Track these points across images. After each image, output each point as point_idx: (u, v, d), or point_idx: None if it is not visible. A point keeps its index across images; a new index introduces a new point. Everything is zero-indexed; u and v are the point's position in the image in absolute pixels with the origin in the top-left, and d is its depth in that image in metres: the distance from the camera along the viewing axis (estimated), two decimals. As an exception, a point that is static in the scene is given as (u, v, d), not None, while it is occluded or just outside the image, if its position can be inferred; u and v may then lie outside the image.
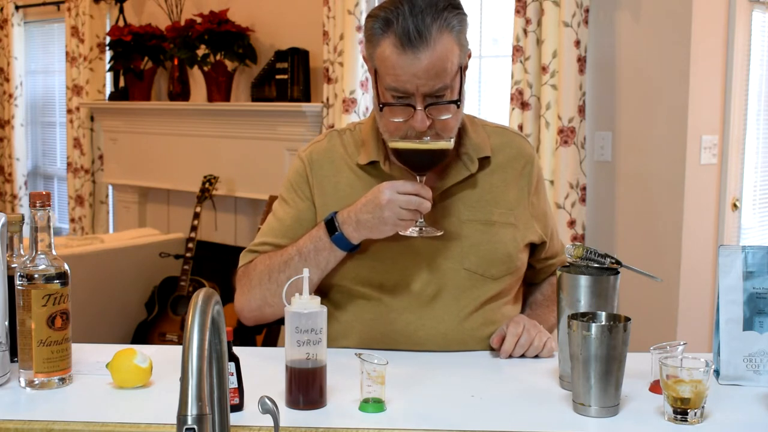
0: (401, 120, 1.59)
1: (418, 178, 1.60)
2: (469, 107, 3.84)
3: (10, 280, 1.46)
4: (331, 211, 1.66)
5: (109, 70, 5.30)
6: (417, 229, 1.60)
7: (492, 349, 1.70)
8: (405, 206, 1.55)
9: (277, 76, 4.34)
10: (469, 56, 1.68)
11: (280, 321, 1.62)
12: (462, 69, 1.61)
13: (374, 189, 1.59)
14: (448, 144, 1.59)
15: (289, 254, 1.66)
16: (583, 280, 1.44)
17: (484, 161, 1.74)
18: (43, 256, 1.42)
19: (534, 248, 1.82)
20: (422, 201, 1.55)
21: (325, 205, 1.72)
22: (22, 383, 1.44)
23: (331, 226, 1.62)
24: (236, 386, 1.34)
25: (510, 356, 1.64)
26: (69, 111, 5.61)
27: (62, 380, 1.44)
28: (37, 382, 1.43)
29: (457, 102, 1.59)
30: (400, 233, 1.60)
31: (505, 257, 1.72)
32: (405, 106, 1.57)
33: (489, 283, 1.71)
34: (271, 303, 1.69)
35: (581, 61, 3.35)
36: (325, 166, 1.75)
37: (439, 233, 1.63)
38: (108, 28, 5.36)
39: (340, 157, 1.75)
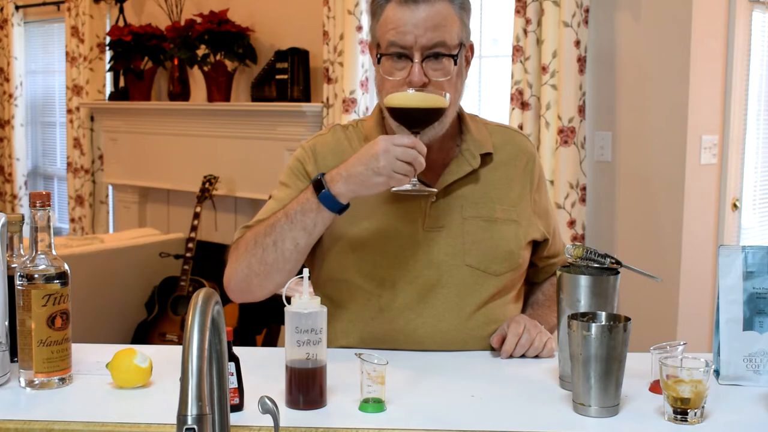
0: (399, 78, 1.61)
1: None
2: (469, 107, 3.84)
3: (10, 280, 1.46)
4: None
5: (109, 70, 5.30)
6: (410, 186, 1.56)
7: (492, 349, 1.70)
8: (401, 158, 1.52)
9: (277, 76, 4.34)
10: (472, 49, 1.70)
11: (280, 320, 1.62)
12: (463, 48, 1.65)
13: (368, 144, 1.57)
14: (443, 101, 1.58)
15: (276, 217, 1.63)
16: (583, 280, 1.44)
17: (485, 158, 1.75)
18: (43, 256, 1.42)
19: (536, 246, 1.82)
20: (418, 155, 1.53)
21: None
22: (22, 383, 1.44)
23: (318, 185, 1.58)
24: (236, 386, 1.34)
25: (510, 356, 1.64)
26: (69, 111, 5.61)
27: (62, 380, 1.44)
28: (37, 382, 1.43)
29: (455, 58, 1.62)
30: (392, 189, 1.57)
31: (507, 254, 1.72)
32: (403, 58, 1.60)
33: (491, 279, 1.71)
34: (257, 271, 1.62)
35: (581, 61, 3.35)
36: (328, 158, 1.74)
37: (434, 191, 1.62)
38: (108, 28, 5.36)
39: (344, 151, 1.74)
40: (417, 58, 1.60)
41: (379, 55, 1.64)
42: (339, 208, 1.58)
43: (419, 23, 1.59)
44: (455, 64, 1.63)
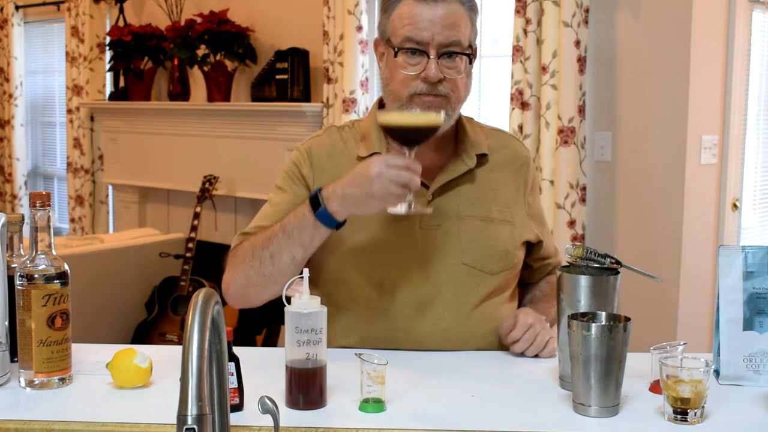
0: (413, 73, 1.63)
1: (407, 153, 1.57)
2: (469, 107, 3.83)
3: (10, 280, 1.46)
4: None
5: (109, 70, 5.30)
6: (405, 205, 1.56)
7: (491, 349, 1.71)
8: (395, 180, 1.52)
9: (277, 76, 4.34)
10: (475, 52, 1.71)
11: (280, 320, 1.62)
12: (472, 49, 1.68)
13: (363, 163, 1.56)
14: (438, 118, 1.58)
15: (273, 231, 1.63)
16: (583, 280, 1.44)
17: (481, 159, 1.76)
18: (43, 256, 1.42)
19: (530, 248, 1.84)
20: (412, 176, 1.53)
21: None
22: (22, 383, 1.44)
23: (315, 202, 1.58)
24: (236, 386, 1.34)
25: (513, 347, 1.65)
26: (69, 111, 5.61)
27: (62, 380, 1.44)
28: (37, 382, 1.43)
29: (470, 56, 1.66)
30: (388, 210, 1.56)
31: (502, 253, 1.74)
32: (417, 54, 1.62)
33: (487, 278, 1.72)
34: (254, 282, 1.65)
35: (581, 61, 3.35)
36: (324, 159, 1.75)
37: (429, 211, 1.63)
38: (108, 28, 5.36)
39: (340, 152, 1.76)
40: (433, 54, 1.62)
41: (396, 49, 1.64)
42: (335, 225, 1.59)
43: (436, 20, 1.61)
44: (470, 62, 1.67)
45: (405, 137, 1.58)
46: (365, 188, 1.53)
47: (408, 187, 1.53)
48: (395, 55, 1.65)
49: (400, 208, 1.56)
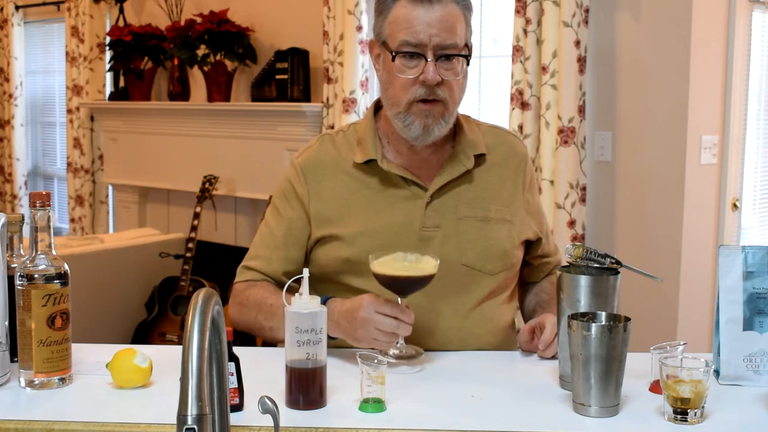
0: (412, 77, 1.63)
1: (399, 299, 1.55)
2: (469, 107, 3.84)
3: (10, 280, 1.46)
4: (329, 216, 1.71)
5: (109, 70, 5.30)
6: (396, 351, 1.54)
7: (490, 349, 1.71)
8: (381, 328, 1.51)
9: (277, 76, 4.34)
10: (470, 51, 1.70)
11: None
12: (468, 49, 1.67)
13: (356, 300, 1.55)
14: (432, 268, 1.54)
15: (277, 307, 1.66)
16: (583, 280, 1.44)
17: (479, 158, 1.76)
18: (43, 256, 1.42)
19: (529, 245, 1.84)
20: (400, 324, 1.51)
21: (324, 210, 1.73)
22: (22, 383, 1.44)
23: None
24: (236, 386, 1.34)
25: (544, 354, 1.63)
26: (69, 111, 5.61)
27: (62, 380, 1.44)
28: (37, 382, 1.43)
29: (467, 58, 1.65)
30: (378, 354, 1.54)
31: (501, 253, 1.73)
32: (415, 57, 1.62)
33: (486, 278, 1.73)
34: (257, 334, 1.75)
35: (581, 61, 3.35)
36: (318, 172, 1.76)
37: (421, 356, 1.58)
38: (108, 28, 5.36)
39: (333, 161, 1.76)
40: (431, 57, 1.61)
41: (393, 53, 1.64)
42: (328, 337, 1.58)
43: (433, 23, 1.61)
44: (467, 64, 1.66)
45: (399, 288, 1.55)
46: (350, 330, 1.54)
47: (396, 333, 1.52)
48: (393, 59, 1.64)
49: (392, 353, 1.54)
